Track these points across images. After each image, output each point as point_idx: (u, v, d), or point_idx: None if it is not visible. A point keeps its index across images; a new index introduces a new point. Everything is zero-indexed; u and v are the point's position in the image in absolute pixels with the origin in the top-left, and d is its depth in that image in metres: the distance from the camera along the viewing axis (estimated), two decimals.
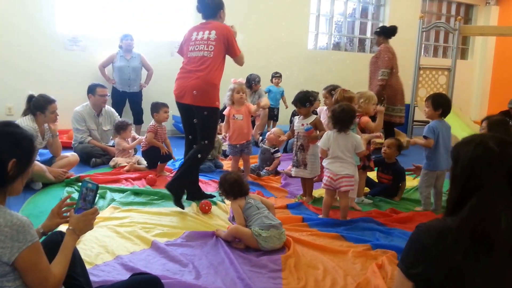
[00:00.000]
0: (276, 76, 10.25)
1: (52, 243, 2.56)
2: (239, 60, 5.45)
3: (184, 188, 5.21)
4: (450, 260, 1.85)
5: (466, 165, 1.98)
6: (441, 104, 5.29)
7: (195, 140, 5.33)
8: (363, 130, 5.64)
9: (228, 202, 5.28)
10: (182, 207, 5.07)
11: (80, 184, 5.68)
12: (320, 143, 5.03)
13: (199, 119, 5.23)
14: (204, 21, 5.35)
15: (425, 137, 5.25)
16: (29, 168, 2.32)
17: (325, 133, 5.06)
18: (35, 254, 2.17)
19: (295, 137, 5.71)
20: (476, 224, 1.85)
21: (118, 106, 8.84)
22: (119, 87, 9.15)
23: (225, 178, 4.43)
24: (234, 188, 4.32)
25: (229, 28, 5.33)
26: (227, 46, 5.24)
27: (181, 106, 5.32)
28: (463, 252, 1.83)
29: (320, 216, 5.04)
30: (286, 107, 10.12)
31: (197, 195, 5.45)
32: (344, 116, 4.87)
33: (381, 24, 13.74)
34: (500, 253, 1.83)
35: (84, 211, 2.67)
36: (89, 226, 2.67)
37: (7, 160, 2.17)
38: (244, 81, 6.57)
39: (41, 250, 2.21)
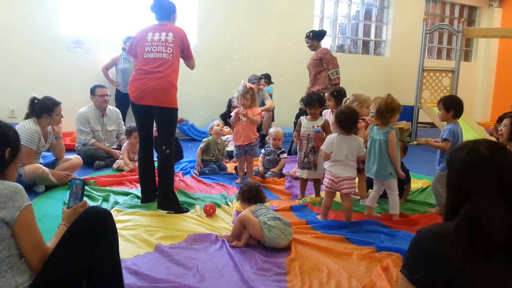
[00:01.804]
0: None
1: None
2: (191, 64, 5.50)
3: (175, 199, 5.19)
4: (451, 263, 1.86)
5: (459, 170, 2.02)
6: (452, 105, 5.29)
7: (150, 142, 5.38)
8: None
9: (232, 205, 5.32)
10: (187, 210, 5.09)
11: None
12: (323, 146, 5.00)
13: (162, 121, 5.19)
14: (157, 22, 5.27)
15: (445, 139, 5.23)
16: (19, 154, 2.62)
17: (328, 136, 5.06)
18: (32, 215, 2.46)
19: (304, 138, 5.71)
20: (472, 227, 1.87)
21: (122, 108, 8.82)
22: (122, 89, 9.14)
23: (245, 183, 4.75)
24: (250, 193, 4.48)
25: (184, 31, 5.27)
26: (183, 49, 5.23)
27: (139, 108, 5.15)
28: (463, 255, 1.84)
29: (319, 217, 5.04)
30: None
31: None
32: (348, 118, 4.86)
33: (385, 27, 13.79)
34: (499, 253, 1.84)
35: (74, 205, 2.87)
36: None
37: (4, 149, 2.50)
38: (252, 86, 6.56)
39: (34, 215, 2.49)
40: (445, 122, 5.44)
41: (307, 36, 8.96)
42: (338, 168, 4.88)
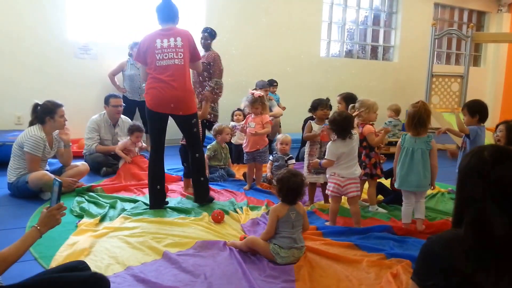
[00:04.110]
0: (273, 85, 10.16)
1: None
2: (198, 66, 5.77)
3: (208, 192, 5.73)
4: (462, 270, 1.83)
5: (462, 175, 2.01)
6: (477, 110, 5.31)
7: (163, 148, 5.52)
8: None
9: (240, 211, 5.28)
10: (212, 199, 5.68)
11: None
12: (329, 156, 4.96)
13: (190, 127, 5.49)
14: (162, 24, 5.37)
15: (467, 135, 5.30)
16: None
17: (330, 145, 5.02)
18: None
19: (315, 143, 5.69)
20: (477, 234, 1.85)
21: (128, 115, 8.78)
22: (129, 95, 9.12)
23: (288, 180, 4.00)
24: (288, 193, 3.99)
25: (190, 33, 5.43)
26: (192, 51, 5.41)
27: (156, 115, 5.32)
28: (473, 261, 1.82)
29: (328, 223, 5.03)
30: (284, 109, 10.13)
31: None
32: (348, 123, 4.92)
33: (393, 32, 13.76)
34: (508, 260, 1.81)
35: (50, 207, 2.89)
36: (54, 221, 2.88)
37: None
38: (261, 94, 6.56)
39: None
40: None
41: (208, 32, 8.55)
42: (347, 169, 4.93)
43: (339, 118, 4.92)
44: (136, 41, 9.02)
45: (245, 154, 6.62)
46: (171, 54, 5.19)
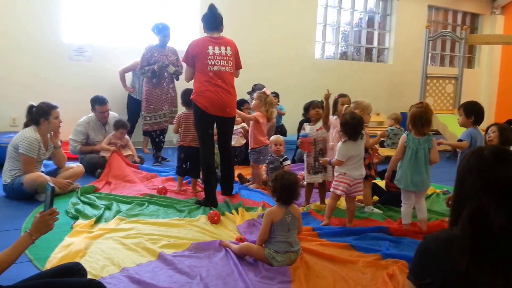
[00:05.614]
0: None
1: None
2: (238, 73, 6.04)
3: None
4: (458, 268, 1.83)
5: (461, 174, 2.00)
6: (473, 111, 5.34)
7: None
8: None
9: (235, 213, 5.27)
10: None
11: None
12: (339, 156, 5.01)
13: (229, 129, 6.03)
14: (211, 34, 5.70)
15: (460, 140, 5.25)
16: None
17: (340, 146, 5.05)
18: None
19: (310, 144, 5.69)
20: (473, 230, 1.84)
21: (133, 115, 8.67)
22: (136, 95, 8.93)
23: (282, 177, 3.98)
24: (282, 190, 3.93)
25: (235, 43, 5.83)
26: (236, 60, 5.86)
27: (212, 117, 5.66)
28: (469, 259, 1.81)
29: (323, 223, 5.07)
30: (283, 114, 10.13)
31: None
32: (360, 126, 4.98)
33: (387, 34, 13.80)
34: (503, 257, 1.81)
35: (43, 212, 2.88)
36: (47, 227, 2.90)
37: None
38: (267, 91, 6.86)
39: None
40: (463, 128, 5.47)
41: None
42: (356, 170, 5.03)
43: (351, 121, 4.95)
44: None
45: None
46: (222, 62, 5.59)
